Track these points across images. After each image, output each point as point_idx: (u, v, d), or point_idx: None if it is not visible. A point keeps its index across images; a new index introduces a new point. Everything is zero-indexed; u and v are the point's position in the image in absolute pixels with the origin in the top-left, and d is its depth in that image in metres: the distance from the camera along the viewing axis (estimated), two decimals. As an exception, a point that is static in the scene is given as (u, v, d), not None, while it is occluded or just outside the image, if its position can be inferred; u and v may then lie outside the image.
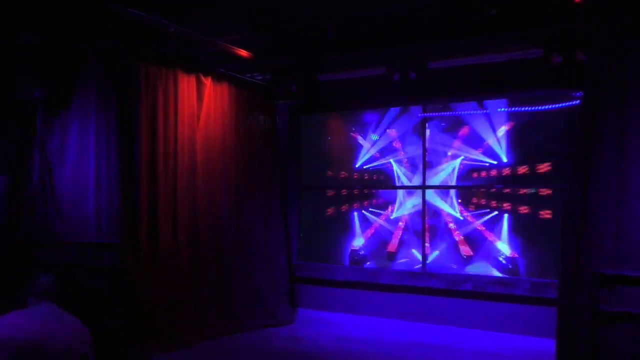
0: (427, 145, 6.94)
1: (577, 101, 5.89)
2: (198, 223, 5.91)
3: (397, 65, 6.13)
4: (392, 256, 7.46)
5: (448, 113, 6.88)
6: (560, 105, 6.11)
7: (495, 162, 6.82)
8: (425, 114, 6.98)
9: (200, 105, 5.98)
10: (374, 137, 7.30)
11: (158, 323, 5.37)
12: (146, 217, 5.36)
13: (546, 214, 6.40)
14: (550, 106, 6.17)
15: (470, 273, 6.41)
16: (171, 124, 5.63)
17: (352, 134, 7.44)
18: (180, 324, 5.56)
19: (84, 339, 2.68)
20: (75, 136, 5.44)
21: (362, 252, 7.60)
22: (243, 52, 6.03)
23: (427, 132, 6.97)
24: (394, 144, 7.17)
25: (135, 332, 5.16)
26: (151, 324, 5.30)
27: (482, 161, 6.95)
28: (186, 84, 5.80)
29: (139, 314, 5.22)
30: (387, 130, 7.22)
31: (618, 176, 4.72)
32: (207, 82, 6.05)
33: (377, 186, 7.27)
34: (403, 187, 7.11)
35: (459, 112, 6.78)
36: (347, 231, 7.67)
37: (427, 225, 6.92)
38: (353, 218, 7.73)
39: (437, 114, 6.92)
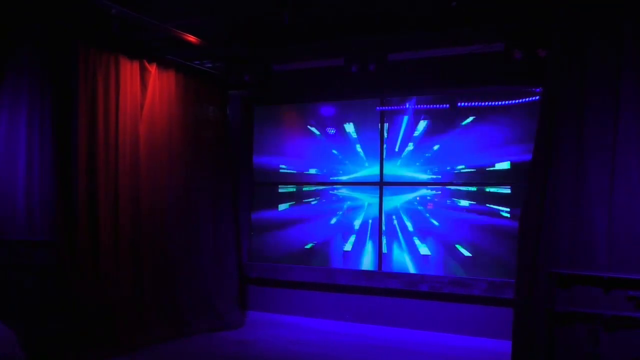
0: (385, 139, 7.02)
1: (538, 97, 6.09)
2: (141, 220, 5.84)
3: (356, 55, 6.19)
4: (347, 255, 7.52)
5: (406, 106, 6.97)
6: (520, 100, 6.30)
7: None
8: (384, 107, 7.05)
9: (144, 94, 5.90)
10: (331, 131, 7.32)
11: (96, 326, 5.29)
12: (84, 213, 5.27)
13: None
14: (510, 101, 6.35)
15: (427, 273, 6.54)
16: (112, 114, 5.52)
17: (308, 127, 7.44)
18: (120, 327, 5.50)
19: (6, 340, 2.60)
20: (4, 125, 5.25)
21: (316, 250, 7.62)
22: (192, 38, 5.94)
23: (386, 125, 7.05)
24: (351, 138, 7.21)
25: (71, 335, 5.08)
26: (88, 327, 5.22)
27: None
28: (129, 71, 5.70)
29: (75, 316, 5.14)
30: (345, 125, 7.26)
31: (576, 176, 4.91)
32: (152, 69, 5.95)
33: (332, 182, 7.31)
34: (357, 183, 7.18)
35: (418, 107, 6.88)
36: (303, 229, 7.67)
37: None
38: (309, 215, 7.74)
39: (395, 107, 7.00)
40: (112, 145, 5.52)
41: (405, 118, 6.97)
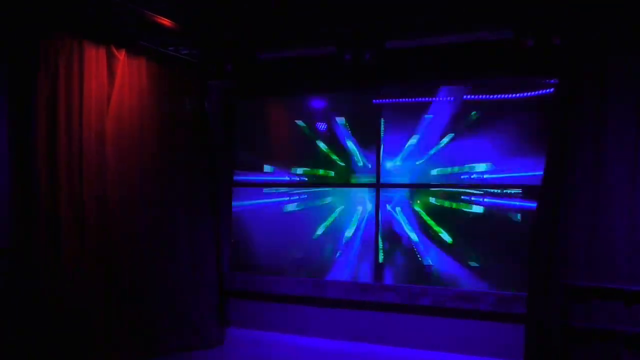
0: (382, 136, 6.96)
1: (552, 89, 6.03)
2: (110, 226, 5.74)
3: (350, 43, 6.10)
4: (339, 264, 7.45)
5: (406, 100, 6.91)
6: (532, 93, 6.24)
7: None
8: (381, 100, 6.98)
9: (112, 83, 5.78)
10: (322, 126, 7.25)
11: (57, 345, 5.18)
12: (44, 218, 5.16)
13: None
14: (522, 94, 6.30)
15: (429, 286, 6.47)
16: (75, 107, 5.40)
17: (296, 121, 7.36)
18: (84, 345, 5.40)
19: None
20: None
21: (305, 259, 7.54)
22: (166, 21, 5.84)
23: (382, 121, 6.98)
24: (344, 135, 7.14)
25: (29, 354, 4.96)
26: (48, 346, 5.11)
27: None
28: (94, 57, 5.58)
29: (32, 335, 5.02)
30: (337, 119, 7.18)
31: (594, 179, 4.87)
32: (121, 55, 5.83)
33: (323, 183, 7.23)
34: (351, 184, 7.10)
35: (418, 99, 6.82)
36: (290, 236, 7.58)
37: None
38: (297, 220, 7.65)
39: (393, 100, 6.94)
40: (75, 143, 5.40)
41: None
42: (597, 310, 4.82)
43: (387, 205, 6.98)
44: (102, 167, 5.67)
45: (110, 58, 5.77)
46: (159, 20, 5.81)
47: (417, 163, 6.83)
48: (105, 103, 5.73)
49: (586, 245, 4.95)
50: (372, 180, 7.02)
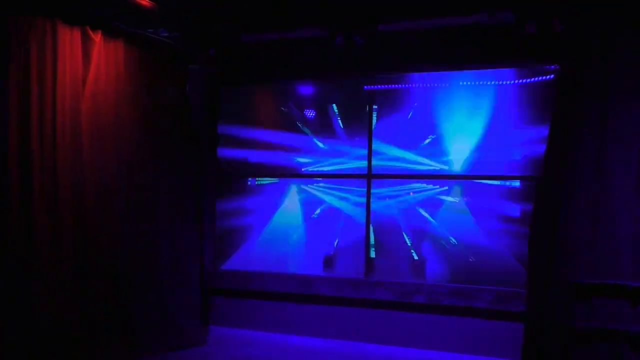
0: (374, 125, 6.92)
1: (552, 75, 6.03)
2: (86, 220, 5.65)
3: (342, 25, 6.03)
4: (330, 261, 7.44)
5: (399, 86, 6.87)
6: (532, 79, 6.23)
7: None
8: (373, 87, 6.94)
9: (87, 67, 5.67)
10: (311, 114, 7.20)
11: (33, 346, 5.13)
12: (16, 213, 5.08)
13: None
14: (521, 81, 6.29)
15: (423, 282, 6.46)
16: (48, 92, 5.30)
17: (283, 109, 7.29)
18: (61, 346, 5.34)
19: None
20: None
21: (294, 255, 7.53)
22: (144, 1, 5.72)
23: (375, 108, 6.94)
24: (334, 122, 7.10)
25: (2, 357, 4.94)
26: (22, 349, 5.06)
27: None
28: (68, 39, 5.46)
29: (7, 334, 5.00)
30: (327, 107, 7.14)
31: (597, 169, 4.85)
32: (97, 38, 5.72)
33: (313, 174, 7.19)
34: (342, 175, 7.06)
35: (413, 85, 6.78)
36: (278, 229, 7.55)
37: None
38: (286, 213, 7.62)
39: (386, 86, 6.90)
40: (48, 132, 5.29)
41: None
42: (600, 308, 4.81)
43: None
44: (77, 157, 5.57)
45: (86, 41, 5.65)
46: (138, 0, 5.69)
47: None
48: (81, 88, 5.62)
49: (589, 240, 4.94)
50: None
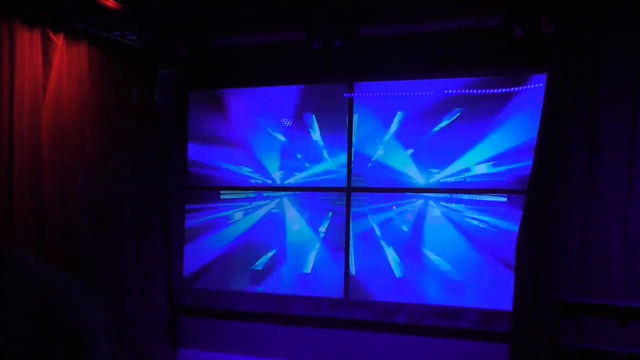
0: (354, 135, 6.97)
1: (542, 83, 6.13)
2: (45, 234, 5.63)
3: (320, 28, 6.08)
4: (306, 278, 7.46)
5: (381, 93, 6.93)
6: (522, 88, 6.33)
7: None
8: (353, 94, 6.99)
9: (48, 72, 5.66)
10: (287, 122, 7.22)
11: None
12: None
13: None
14: (508, 89, 6.38)
15: (405, 301, 6.51)
16: (5, 99, 5.27)
17: (257, 117, 7.32)
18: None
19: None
20: None
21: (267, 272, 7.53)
22: (110, 2, 5.75)
23: (355, 117, 6.99)
24: (311, 133, 7.13)
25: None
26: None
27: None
28: (27, 42, 5.44)
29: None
30: (303, 115, 7.17)
31: (588, 180, 4.95)
32: (59, 40, 5.73)
33: (287, 187, 7.22)
34: (319, 188, 7.10)
35: (394, 93, 6.84)
36: (250, 245, 7.55)
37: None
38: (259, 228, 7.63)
39: (367, 94, 6.95)
40: (4, 142, 5.28)
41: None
42: (590, 328, 4.90)
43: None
44: (37, 166, 5.54)
45: (46, 43, 5.64)
46: (103, 0, 5.72)
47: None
48: (41, 93, 5.61)
49: (578, 256, 5.03)
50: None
